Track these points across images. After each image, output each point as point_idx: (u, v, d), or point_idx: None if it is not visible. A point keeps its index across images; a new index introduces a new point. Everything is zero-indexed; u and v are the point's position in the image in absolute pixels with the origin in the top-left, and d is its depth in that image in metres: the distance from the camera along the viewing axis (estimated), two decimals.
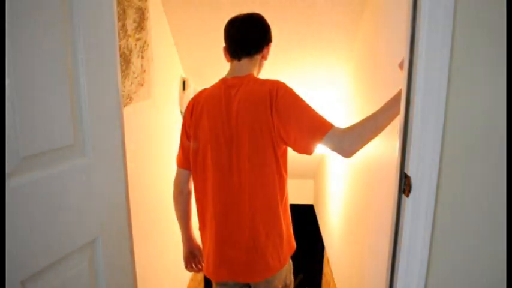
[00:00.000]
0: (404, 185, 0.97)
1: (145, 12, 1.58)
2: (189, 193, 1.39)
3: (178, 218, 1.41)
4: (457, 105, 0.90)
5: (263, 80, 1.24)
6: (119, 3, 1.31)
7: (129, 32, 1.42)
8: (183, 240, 1.43)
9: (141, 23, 1.54)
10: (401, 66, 1.03)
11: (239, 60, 1.28)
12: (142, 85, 1.57)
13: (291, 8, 1.78)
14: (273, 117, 1.15)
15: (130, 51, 1.44)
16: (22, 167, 0.70)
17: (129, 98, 1.44)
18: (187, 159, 1.30)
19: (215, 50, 2.19)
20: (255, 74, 1.31)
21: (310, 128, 1.11)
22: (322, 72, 2.27)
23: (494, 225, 0.94)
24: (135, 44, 1.49)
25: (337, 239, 2.54)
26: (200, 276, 3.22)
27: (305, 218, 4.05)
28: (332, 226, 2.82)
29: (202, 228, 1.34)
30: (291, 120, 1.13)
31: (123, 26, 1.37)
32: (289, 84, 1.23)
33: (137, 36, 1.51)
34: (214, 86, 1.28)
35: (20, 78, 0.68)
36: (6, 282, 0.66)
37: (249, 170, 1.18)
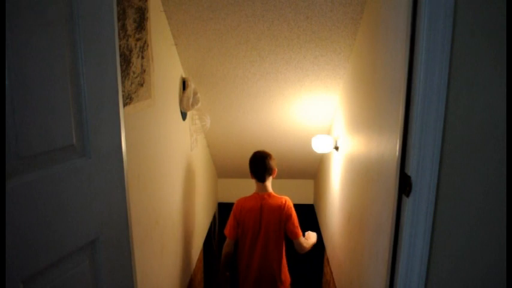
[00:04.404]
0: (404, 185, 0.97)
1: (145, 12, 1.58)
2: (232, 252, 2.43)
3: (222, 266, 2.43)
4: (457, 105, 0.90)
5: (279, 196, 2.38)
6: (118, 3, 1.31)
7: (129, 32, 1.42)
8: (221, 275, 2.46)
9: (141, 23, 1.54)
10: (308, 236, 2.42)
11: (263, 182, 2.39)
12: (142, 85, 1.57)
13: (290, 8, 1.78)
14: (282, 219, 2.32)
15: (130, 51, 1.44)
16: (22, 167, 0.70)
17: (129, 98, 1.44)
18: (236, 235, 2.39)
19: (215, 50, 2.20)
20: (270, 187, 2.42)
21: (293, 231, 2.33)
22: (322, 72, 2.27)
23: (494, 225, 0.95)
24: (135, 44, 1.49)
25: (337, 239, 2.54)
26: (200, 276, 3.22)
27: (305, 218, 4.05)
28: (332, 226, 2.82)
29: (244, 278, 2.40)
30: (288, 223, 2.32)
31: (123, 26, 1.37)
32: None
33: (137, 36, 1.50)
34: (251, 198, 2.40)
35: (20, 78, 0.68)
36: (6, 282, 0.66)
37: (270, 241, 2.33)
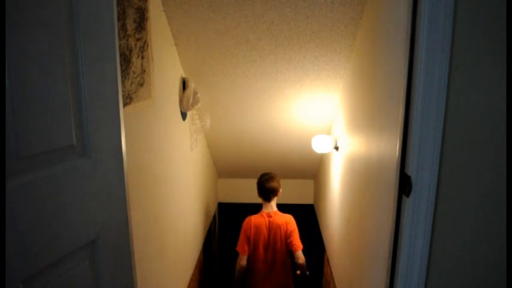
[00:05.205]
0: (404, 185, 0.97)
1: (145, 12, 1.58)
2: (246, 266, 2.73)
3: (237, 281, 2.73)
4: (457, 105, 0.90)
5: (283, 214, 2.76)
6: (119, 3, 1.31)
7: (129, 32, 1.42)
8: (235, 284, 2.77)
9: (141, 23, 1.54)
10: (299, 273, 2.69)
11: (269, 201, 2.77)
12: (142, 85, 1.57)
13: (290, 8, 1.78)
14: (287, 234, 2.68)
15: (130, 51, 1.44)
16: (22, 167, 0.70)
17: (129, 98, 1.44)
18: (248, 250, 2.70)
19: (215, 50, 2.19)
20: (275, 205, 2.80)
21: (295, 244, 2.67)
22: (322, 72, 2.27)
23: (495, 225, 0.95)
24: (135, 44, 1.49)
25: (337, 239, 2.54)
26: (200, 276, 3.22)
27: (305, 218, 4.05)
28: (332, 226, 2.82)
29: (258, 280, 2.74)
30: (291, 238, 2.68)
31: (123, 25, 1.37)
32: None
33: (137, 36, 1.50)
34: (259, 216, 2.76)
35: (20, 78, 0.68)
36: (6, 282, 0.66)
37: (276, 254, 2.70)
